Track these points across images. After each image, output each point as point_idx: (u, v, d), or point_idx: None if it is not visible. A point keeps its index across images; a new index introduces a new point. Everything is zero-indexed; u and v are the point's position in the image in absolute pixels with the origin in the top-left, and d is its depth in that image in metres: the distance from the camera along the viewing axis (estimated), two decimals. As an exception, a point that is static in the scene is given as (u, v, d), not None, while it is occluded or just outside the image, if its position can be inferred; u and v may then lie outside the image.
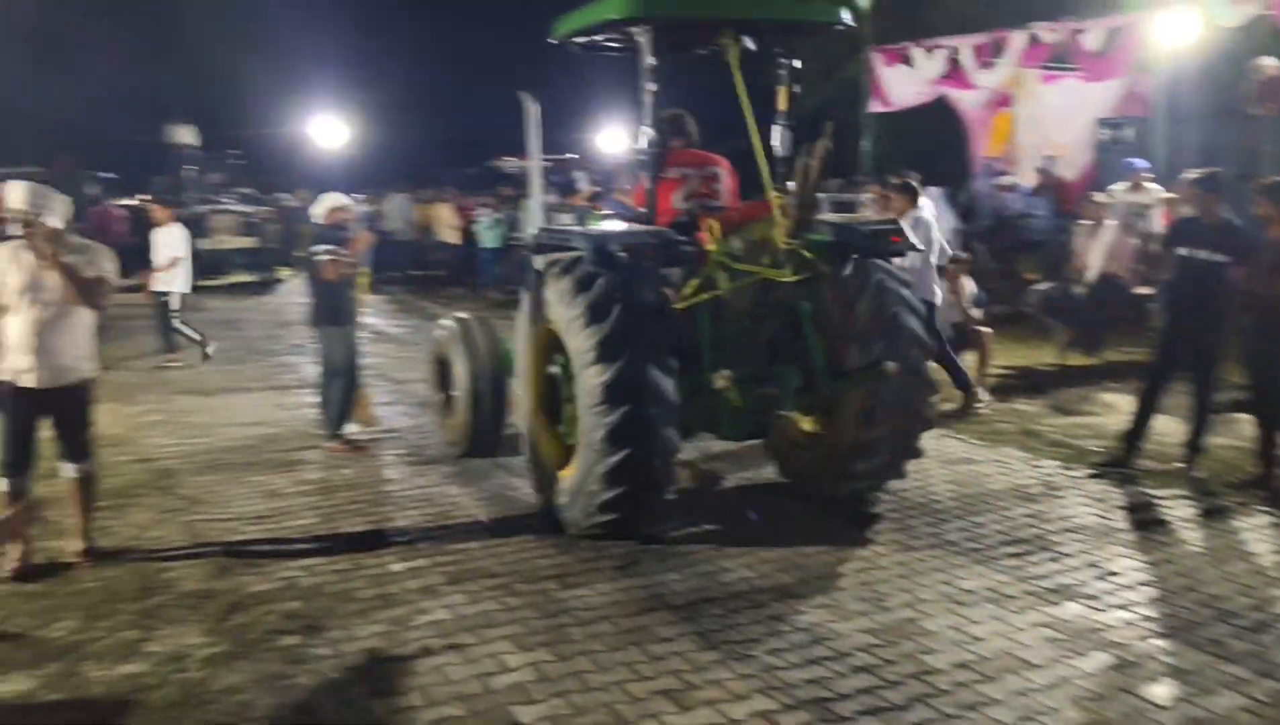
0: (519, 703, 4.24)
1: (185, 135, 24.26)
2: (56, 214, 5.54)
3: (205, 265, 20.26)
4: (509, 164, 29.08)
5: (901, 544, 5.87)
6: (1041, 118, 15.22)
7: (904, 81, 16.06)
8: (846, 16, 6.34)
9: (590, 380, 5.61)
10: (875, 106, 16.88)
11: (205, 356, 12.06)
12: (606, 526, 5.83)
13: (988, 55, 14.54)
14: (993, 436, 8.04)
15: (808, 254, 5.94)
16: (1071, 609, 5.00)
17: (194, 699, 4.29)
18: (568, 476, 5.99)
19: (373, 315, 16.00)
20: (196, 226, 20.03)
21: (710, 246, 5.95)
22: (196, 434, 8.76)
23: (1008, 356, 10.73)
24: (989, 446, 7.81)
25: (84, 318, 5.70)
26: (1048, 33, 13.54)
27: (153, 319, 12.33)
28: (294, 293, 19.16)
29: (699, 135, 6.74)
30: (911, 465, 7.21)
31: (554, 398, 6.27)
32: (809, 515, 6.38)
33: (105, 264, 5.70)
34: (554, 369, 6.23)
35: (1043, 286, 10.52)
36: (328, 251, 7.86)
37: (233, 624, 5.00)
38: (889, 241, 6.21)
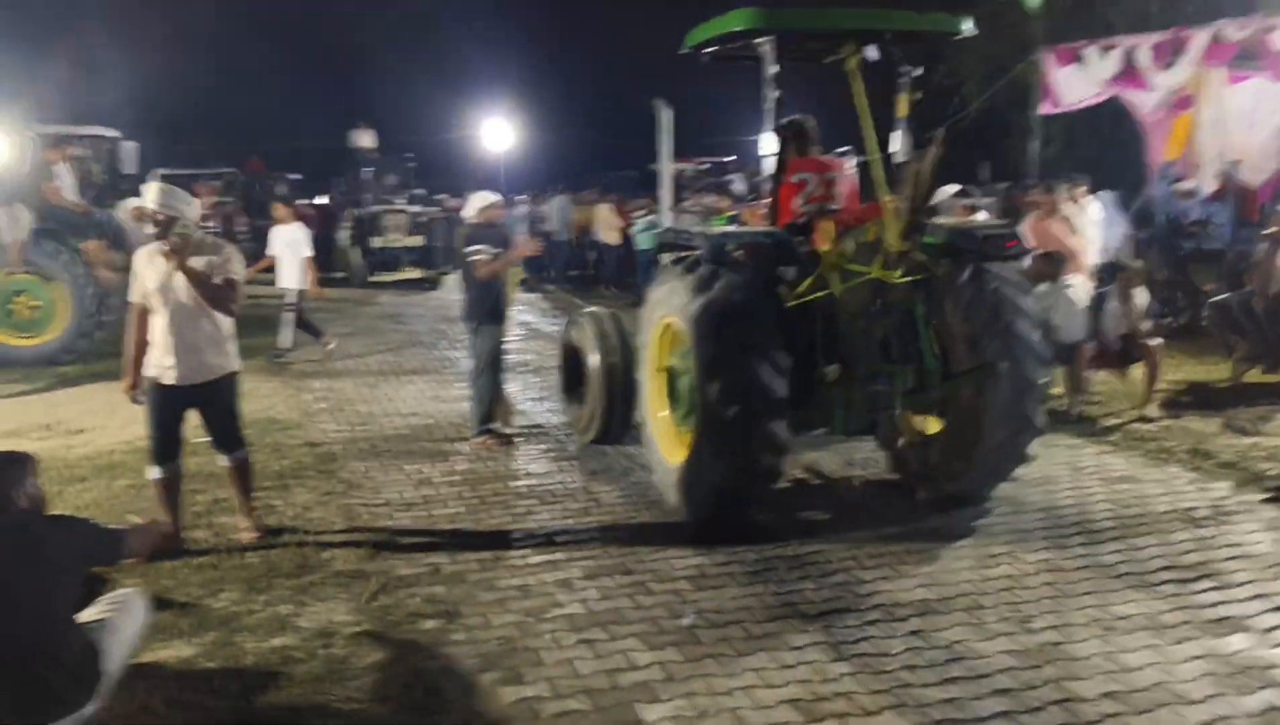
0: (644, 701, 4.25)
1: (365, 139, 25.38)
2: (186, 215, 5.66)
3: (377, 262, 21.18)
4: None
5: (1052, 564, 5.62)
6: (1225, 120, 14.32)
7: (1076, 82, 15.33)
8: (967, 27, 6.48)
9: (706, 374, 5.86)
10: (1045, 108, 16.21)
11: (327, 351, 12.46)
12: (715, 513, 6.11)
13: (1167, 54, 13.76)
14: (1159, 455, 7.62)
15: (920, 256, 6.06)
16: (1236, 643, 4.67)
17: (336, 674, 4.47)
18: (681, 462, 6.25)
19: (528, 313, 16.38)
20: (371, 225, 20.98)
21: (824, 247, 6.16)
22: (359, 421, 9.13)
23: (1181, 371, 10.16)
24: (1154, 465, 7.40)
25: (220, 316, 5.83)
26: (1234, 30, 12.73)
27: (283, 313, 12.67)
28: (457, 290, 19.77)
29: (821, 138, 6.90)
30: (1069, 481, 7.00)
31: (672, 387, 6.61)
32: (953, 529, 6.19)
33: (235, 267, 5.76)
34: (674, 361, 6.55)
35: (1222, 298, 9.90)
36: (479, 252, 8.06)
37: (379, 605, 5.19)
38: (1003, 245, 6.27)
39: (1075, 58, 15.00)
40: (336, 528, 6.34)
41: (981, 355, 6.10)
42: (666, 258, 6.87)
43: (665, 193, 7.89)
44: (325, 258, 23.65)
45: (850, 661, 4.55)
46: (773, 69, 6.36)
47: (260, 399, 10.05)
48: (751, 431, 5.82)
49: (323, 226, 24.66)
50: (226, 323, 5.86)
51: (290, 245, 12.24)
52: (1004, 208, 14.31)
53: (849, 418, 6.40)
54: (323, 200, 26.93)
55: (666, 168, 7.65)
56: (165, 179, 24.72)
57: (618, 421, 7.77)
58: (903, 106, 6.56)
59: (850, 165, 6.91)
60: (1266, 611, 4.99)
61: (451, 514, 6.61)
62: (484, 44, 38.64)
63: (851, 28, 6.36)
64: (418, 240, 21.18)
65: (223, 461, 6.14)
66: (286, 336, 12.50)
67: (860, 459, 7.57)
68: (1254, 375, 9.76)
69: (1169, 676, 4.36)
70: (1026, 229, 10.25)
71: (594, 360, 7.77)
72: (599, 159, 33.66)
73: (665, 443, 6.62)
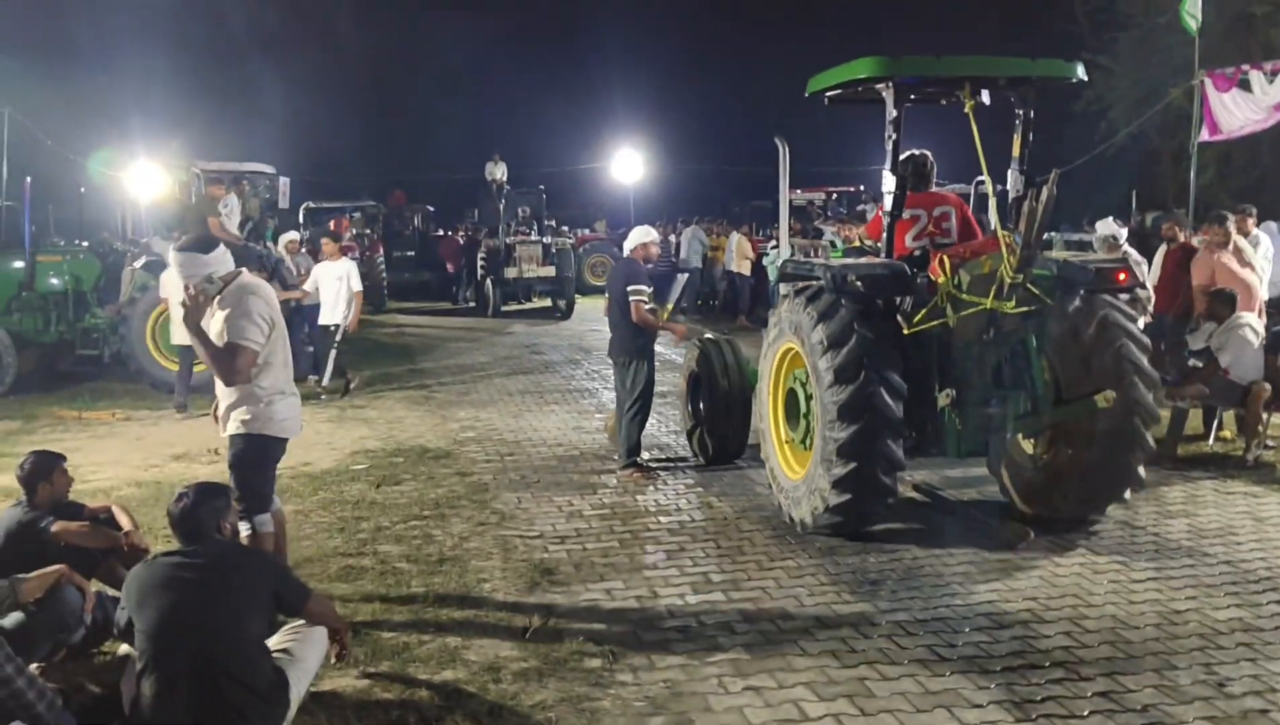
0: (823, 754, 4.11)
1: (498, 171, 25.93)
2: (212, 273, 5.07)
3: (509, 292, 21.53)
4: (798, 197, 29.13)
5: (1245, 623, 5.28)
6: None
7: (1239, 108, 14.65)
8: (1080, 71, 6.78)
9: (826, 395, 6.30)
10: (1204, 135, 15.54)
11: (347, 390, 12.16)
12: (831, 527, 6.52)
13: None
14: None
15: (1033, 288, 6.27)
16: None
17: (508, 711, 4.46)
18: (800, 479, 6.74)
19: (659, 344, 16.37)
20: (506, 256, 21.36)
21: (939, 279, 6.45)
22: (506, 451, 9.22)
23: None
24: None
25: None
26: None
27: (316, 345, 12.49)
28: (588, 320, 19.95)
29: (934, 176, 7.36)
30: (1252, 532, 6.66)
31: (792, 409, 7.09)
32: (1133, 580, 5.89)
33: (240, 327, 5.05)
34: (794, 384, 7.04)
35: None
36: (640, 293, 8.14)
37: (541, 640, 5.17)
38: (1113, 279, 6.51)
39: (1238, 82, 14.36)
40: (494, 560, 6.38)
41: (1092, 380, 6.40)
42: (785, 287, 7.30)
43: (783, 225, 8.33)
44: (458, 289, 24.48)
45: (1037, 721, 4.33)
46: (893, 113, 6.73)
47: (409, 428, 10.27)
48: (868, 450, 6.21)
49: (459, 257, 25.32)
50: (236, 386, 5.18)
51: (339, 280, 12.05)
52: (1140, 240, 13.70)
53: (962, 440, 6.61)
54: (447, 232, 27.68)
55: (785, 201, 8.05)
56: (312, 212, 25.77)
57: (734, 442, 8.47)
58: (1016, 146, 6.93)
59: (967, 199, 7.42)
60: None
61: (605, 548, 6.58)
62: (616, 75, 39.05)
63: (967, 74, 6.74)
64: (549, 270, 21.45)
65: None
66: (328, 372, 12.26)
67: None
68: None
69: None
70: (1194, 263, 9.81)
71: (712, 384, 8.38)
72: (729, 189, 33.69)
73: (784, 461, 7.14)
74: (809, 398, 6.75)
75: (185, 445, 9.52)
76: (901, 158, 6.98)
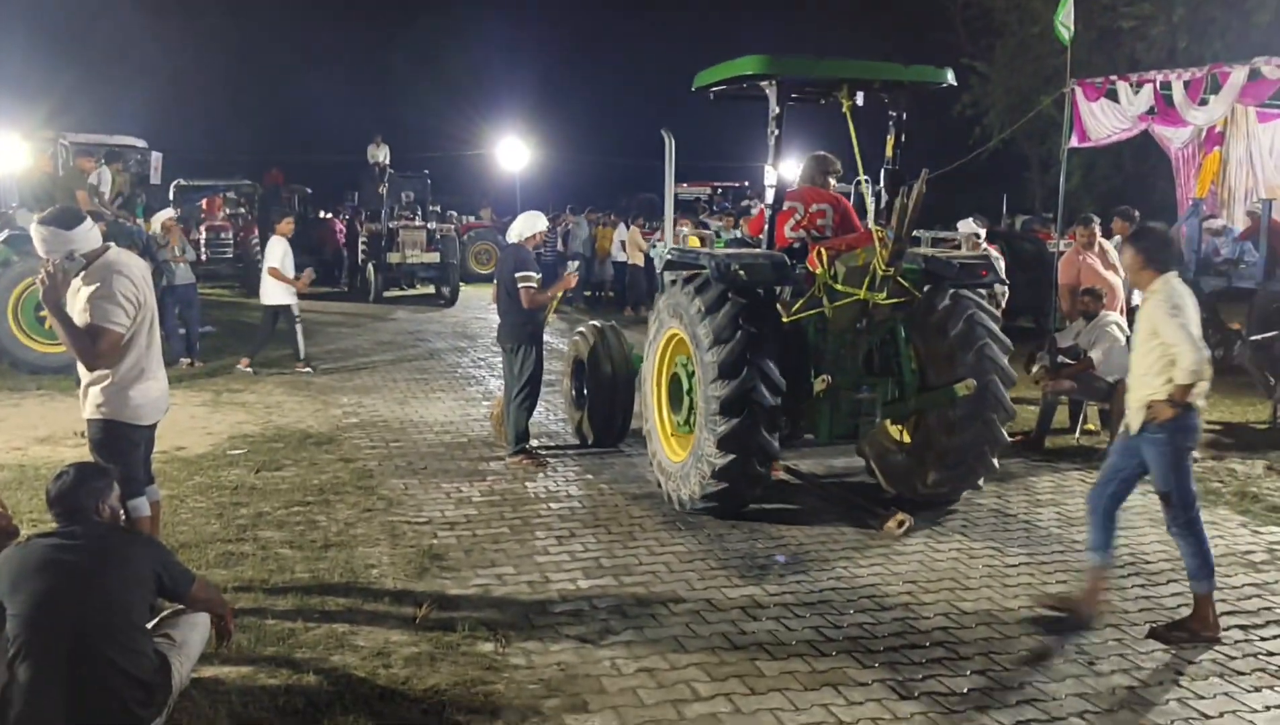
0: (716, 734, 4.17)
1: (380, 154, 25.43)
2: (74, 250, 4.81)
3: (392, 277, 21.16)
4: (684, 191, 29.36)
5: (1112, 605, 5.53)
6: (1256, 158, 14.35)
7: (1106, 117, 15.27)
8: (949, 77, 7.11)
9: (709, 389, 6.56)
10: (1073, 142, 16.20)
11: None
12: (714, 498, 6.74)
13: (1201, 90, 13.76)
14: (1207, 497, 7.50)
15: (903, 281, 6.61)
16: (1314, 692, 4.59)
17: (400, 696, 4.39)
18: (682, 460, 6.99)
19: (547, 333, 16.32)
20: (389, 241, 20.98)
21: (817, 270, 6.71)
22: (392, 437, 9.07)
23: (1217, 410, 10.11)
24: (1204, 507, 7.24)
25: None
26: (1271, 68, 12.72)
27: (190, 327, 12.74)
28: (472, 307, 19.76)
29: (833, 177, 7.52)
30: (1121, 521, 6.88)
31: (676, 393, 7.37)
32: (1006, 563, 6.12)
33: (103, 309, 4.78)
34: (678, 369, 7.31)
35: (1262, 337, 9.86)
36: (530, 278, 8.07)
37: (432, 625, 5.11)
38: (977, 273, 7.01)
39: (1106, 92, 15.00)
40: (381, 545, 6.27)
41: (954, 371, 6.81)
42: (670, 275, 7.54)
43: (669, 217, 8.55)
44: (341, 272, 23.92)
45: (919, 700, 4.47)
46: (775, 110, 6.97)
47: (289, 413, 10.01)
48: (746, 443, 6.51)
49: (335, 241, 24.77)
50: (91, 370, 4.96)
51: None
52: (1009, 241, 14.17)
53: (834, 424, 7.01)
54: (328, 215, 27.00)
55: (670, 193, 8.19)
56: (183, 190, 24.91)
57: (617, 425, 8.73)
58: (889, 147, 7.26)
59: (848, 196, 7.65)
60: (1341, 660, 4.91)
61: (495, 534, 6.54)
62: (502, 62, 38.80)
63: (845, 76, 7.08)
64: (433, 256, 21.14)
65: None
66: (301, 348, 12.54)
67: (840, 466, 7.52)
68: (1294, 417, 9.72)
69: (1250, 725, 4.28)
70: (1061, 264, 10.22)
71: (594, 370, 8.64)
72: (617, 181, 33.77)
73: (667, 444, 7.41)
74: (692, 382, 7.00)
75: (50, 427, 9.11)
76: (811, 155, 7.43)
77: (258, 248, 22.76)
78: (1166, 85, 14.21)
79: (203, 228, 22.60)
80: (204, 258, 21.18)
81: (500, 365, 8.66)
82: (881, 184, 7.29)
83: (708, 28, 36.10)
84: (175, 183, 23.84)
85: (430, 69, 37.33)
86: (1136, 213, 10.76)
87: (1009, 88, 25.06)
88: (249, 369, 12.10)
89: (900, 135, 7.23)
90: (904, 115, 7.25)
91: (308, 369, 12.32)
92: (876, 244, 6.49)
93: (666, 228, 8.69)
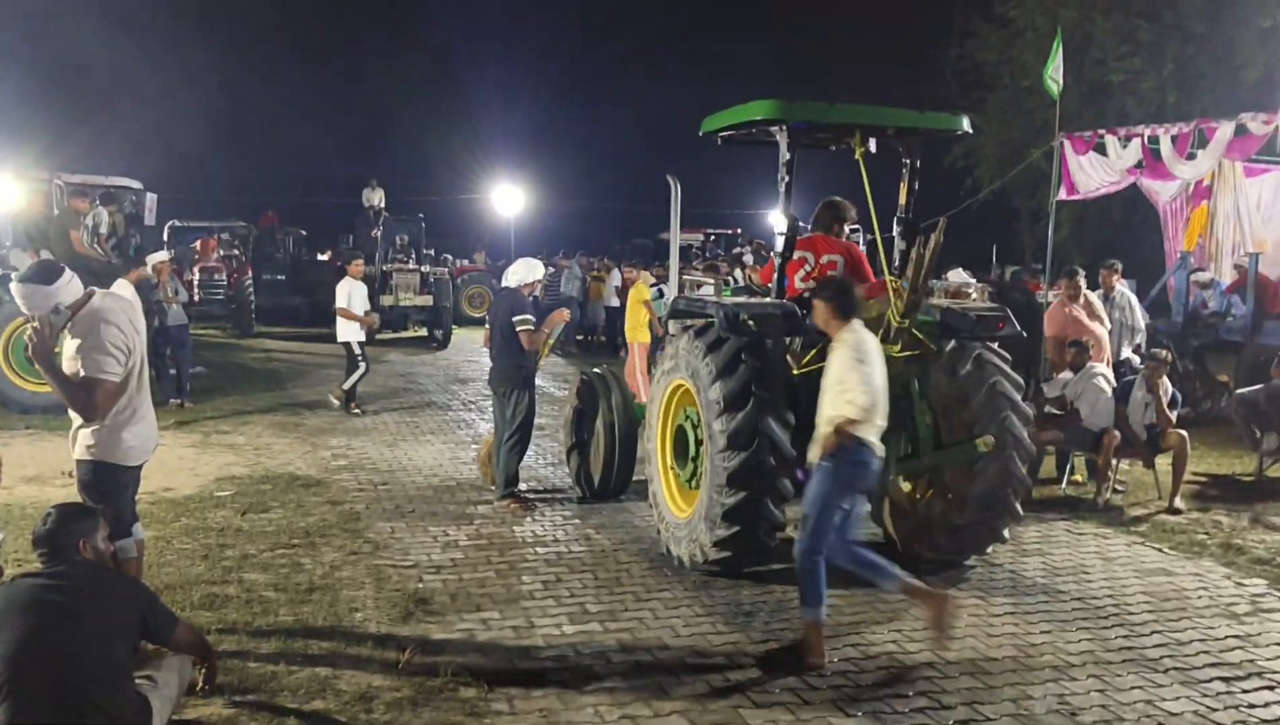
0: (697, 782, 4.16)
1: (375, 197, 25.60)
2: (59, 304, 4.84)
3: (385, 320, 21.19)
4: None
5: (1096, 656, 5.54)
6: (1243, 212, 14.55)
7: (1095, 170, 15.49)
8: (964, 124, 6.98)
9: (716, 425, 6.35)
10: (1062, 194, 16.37)
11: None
12: (720, 563, 6.51)
13: (1188, 145, 13.96)
14: (1191, 548, 7.57)
15: (918, 333, 6.49)
16: (1267, 696, 4.59)
17: (379, 743, 4.37)
18: (686, 517, 6.78)
19: (542, 378, 16.36)
20: (382, 283, 21.04)
21: None
22: (380, 480, 9.07)
23: (1203, 463, 10.16)
24: (1187, 558, 7.34)
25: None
26: (1258, 124, 12.92)
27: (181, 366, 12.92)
28: (465, 350, 19.80)
29: (846, 224, 7.25)
30: (1102, 571, 7.01)
31: (681, 447, 7.07)
32: (991, 613, 6.13)
33: (96, 361, 4.80)
34: (683, 422, 7.03)
35: (1249, 391, 9.92)
36: (527, 322, 8.13)
37: (415, 670, 5.09)
38: (994, 327, 6.77)
39: (1094, 145, 15.20)
40: (366, 589, 6.26)
41: (970, 427, 6.60)
42: (675, 325, 7.34)
43: (674, 263, 8.16)
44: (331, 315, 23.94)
45: (901, 748, 4.47)
46: (786, 156, 6.76)
47: (277, 455, 10.01)
48: (758, 479, 6.26)
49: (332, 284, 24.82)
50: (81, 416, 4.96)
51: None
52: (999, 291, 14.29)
53: None
54: (324, 256, 27.09)
55: (675, 239, 7.98)
56: (177, 231, 24.96)
57: (618, 477, 8.40)
58: (902, 195, 7.13)
59: (859, 245, 7.48)
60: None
61: (481, 579, 6.53)
62: (497, 107, 39.19)
63: (858, 122, 6.88)
64: (426, 299, 21.22)
65: None
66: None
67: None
68: (1279, 470, 9.76)
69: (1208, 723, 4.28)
70: (1047, 316, 10.31)
71: (595, 418, 8.37)
72: (609, 226, 34.00)
73: (671, 498, 7.14)
74: (699, 438, 6.75)
75: (38, 467, 9.09)
76: (824, 202, 7.22)
77: (250, 289, 22.87)
78: (1154, 139, 14.41)
79: (196, 268, 22.67)
80: (197, 299, 21.23)
81: (490, 408, 8.65)
82: (895, 233, 7.12)
83: (701, 75, 36.55)
84: (170, 224, 23.93)
85: (426, 113, 37.70)
86: (1120, 265, 10.86)
87: (1000, 140, 25.35)
88: (357, 411, 12.51)
89: (914, 183, 7.12)
90: (918, 163, 7.13)
91: (358, 411, 12.51)
92: (891, 295, 6.41)
93: (672, 274, 8.32)
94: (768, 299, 6.93)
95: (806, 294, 6.88)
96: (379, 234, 22.14)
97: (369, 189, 26.21)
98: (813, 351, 6.52)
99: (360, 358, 12.63)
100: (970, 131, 7.05)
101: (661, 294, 18.65)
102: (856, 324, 5.51)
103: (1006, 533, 6.89)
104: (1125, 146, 14.31)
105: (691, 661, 5.33)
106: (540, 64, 42.72)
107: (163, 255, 13.63)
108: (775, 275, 7.01)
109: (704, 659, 5.37)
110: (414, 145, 35.98)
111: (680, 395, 7.08)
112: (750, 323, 6.36)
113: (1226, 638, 5.83)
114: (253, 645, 5.33)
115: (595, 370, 8.88)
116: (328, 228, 29.93)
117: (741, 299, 7.01)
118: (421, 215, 24.76)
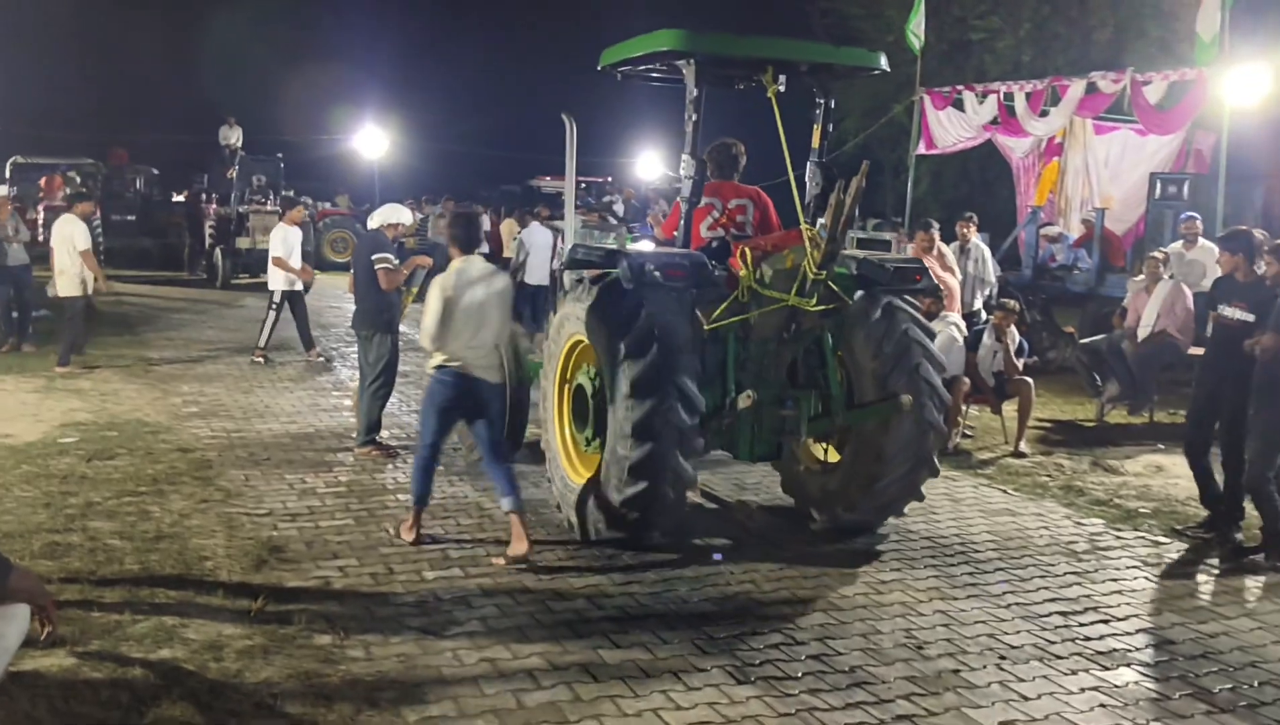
0: (552, 722, 4.17)
1: (232, 136, 24.57)
2: None
3: (243, 264, 20.45)
4: (547, 184, 29.21)
5: (941, 592, 5.76)
6: (1091, 168, 15.16)
7: (953, 125, 15.97)
8: (882, 62, 6.56)
9: (620, 408, 5.83)
10: (921, 149, 16.80)
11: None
12: (623, 528, 6.08)
13: (1042, 103, 14.47)
14: (1035, 490, 7.92)
15: (833, 286, 6.13)
16: (1126, 675, 4.83)
17: (230, 690, 4.26)
18: (586, 483, 6.28)
19: (405, 324, 16.05)
20: (238, 225, 20.26)
21: (741, 273, 6.17)
22: (234, 427, 8.78)
23: (1048, 409, 10.62)
24: (1031, 499, 7.69)
25: None
26: (1108, 83, 13.45)
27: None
28: (326, 296, 19.25)
29: (741, 166, 6.88)
30: (949, 511, 7.23)
31: (580, 405, 6.53)
32: (844, 554, 6.30)
33: None
34: (582, 380, 6.48)
35: (1092, 341, 10.39)
36: (387, 260, 7.94)
37: (268, 618, 4.97)
38: (912, 277, 6.38)
39: (954, 102, 15.61)
40: (217, 537, 6.06)
41: (885, 386, 6.26)
42: (570, 276, 6.81)
43: (570, 209, 7.72)
44: (189, 258, 22.98)
45: (755, 685, 4.56)
46: (693, 92, 6.30)
47: (125, 401, 9.60)
48: (661, 469, 5.80)
49: (185, 225, 23.78)
50: None
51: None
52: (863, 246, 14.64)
53: (755, 442, 6.46)
54: (179, 197, 25.91)
55: (571, 183, 7.53)
56: (20, 168, 23.52)
57: (509, 438, 7.38)
58: (815, 138, 6.67)
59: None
60: (1151, 645, 5.22)
61: (339, 526, 6.40)
62: (362, 46, 37.93)
63: (772, 56, 6.45)
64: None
65: None
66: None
67: (752, 483, 7.67)
68: (1119, 416, 10.27)
69: (1065, 707, 4.49)
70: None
71: None
72: (479, 171, 33.42)
73: (568, 462, 6.62)
74: (599, 395, 6.25)
75: None
76: (716, 145, 6.75)
77: (100, 230, 21.73)
78: (1010, 96, 14.89)
79: (41, 207, 21.43)
80: (41, 239, 20.09)
81: (354, 355, 8.41)
82: (808, 177, 6.67)
83: (570, 20, 35.98)
84: (12, 160, 22.57)
85: (287, 51, 36.18)
86: (975, 219, 11.21)
87: (866, 94, 25.74)
88: (260, 359, 11.97)
89: (828, 125, 6.67)
90: (832, 102, 6.69)
91: (260, 359, 12.00)
92: (807, 244, 6.02)
93: (567, 221, 7.75)
94: (674, 249, 6.44)
95: (714, 244, 6.64)
96: (235, 174, 21.27)
97: (226, 127, 25.13)
98: (724, 306, 6.17)
99: (273, 308, 12.05)
100: (888, 70, 6.65)
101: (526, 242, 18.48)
102: (471, 259, 6.01)
103: (923, 485, 6.55)
104: (982, 102, 14.75)
105: (553, 605, 5.33)
106: (406, 2, 41.47)
107: (2, 191, 12.83)
108: (681, 223, 6.53)
109: (565, 602, 5.38)
110: (274, 83, 34.52)
111: (580, 352, 6.58)
112: (657, 274, 5.85)
113: (1066, 574, 6.12)
114: (96, 595, 5.11)
115: None
116: (182, 167, 28.58)
117: (646, 248, 6.61)
118: (280, 155, 23.88)
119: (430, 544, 6.15)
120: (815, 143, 6.69)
